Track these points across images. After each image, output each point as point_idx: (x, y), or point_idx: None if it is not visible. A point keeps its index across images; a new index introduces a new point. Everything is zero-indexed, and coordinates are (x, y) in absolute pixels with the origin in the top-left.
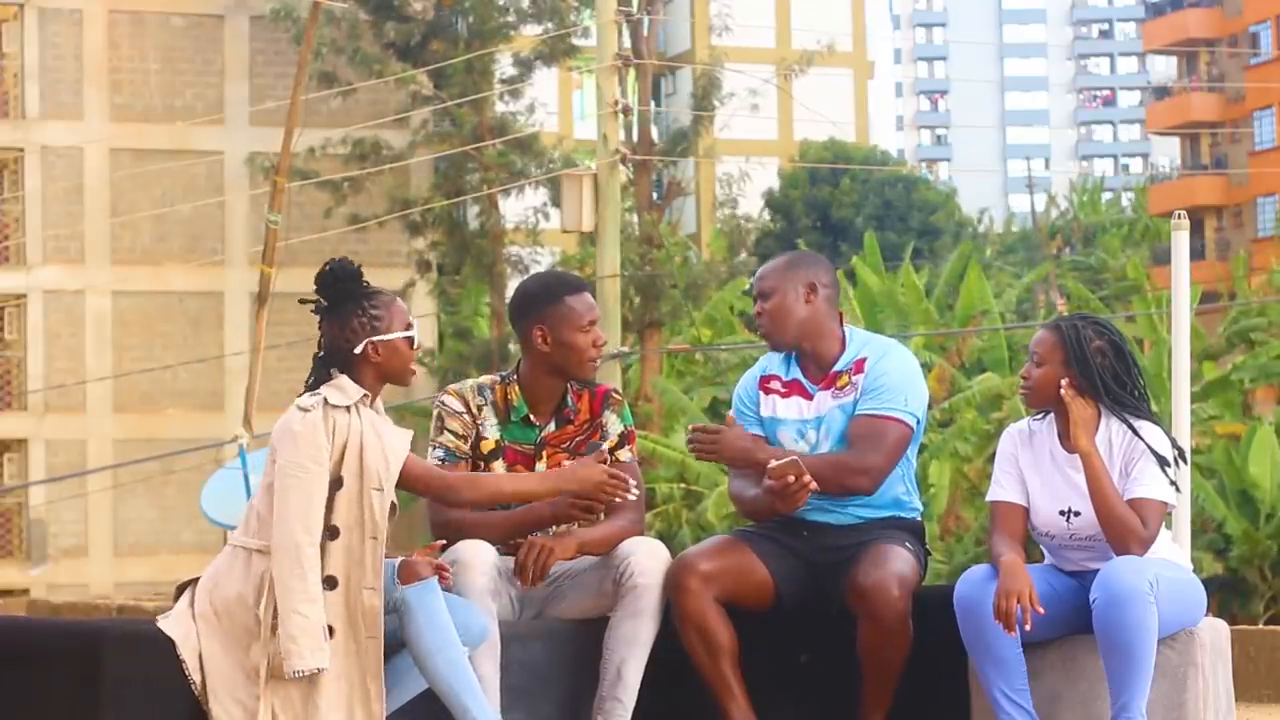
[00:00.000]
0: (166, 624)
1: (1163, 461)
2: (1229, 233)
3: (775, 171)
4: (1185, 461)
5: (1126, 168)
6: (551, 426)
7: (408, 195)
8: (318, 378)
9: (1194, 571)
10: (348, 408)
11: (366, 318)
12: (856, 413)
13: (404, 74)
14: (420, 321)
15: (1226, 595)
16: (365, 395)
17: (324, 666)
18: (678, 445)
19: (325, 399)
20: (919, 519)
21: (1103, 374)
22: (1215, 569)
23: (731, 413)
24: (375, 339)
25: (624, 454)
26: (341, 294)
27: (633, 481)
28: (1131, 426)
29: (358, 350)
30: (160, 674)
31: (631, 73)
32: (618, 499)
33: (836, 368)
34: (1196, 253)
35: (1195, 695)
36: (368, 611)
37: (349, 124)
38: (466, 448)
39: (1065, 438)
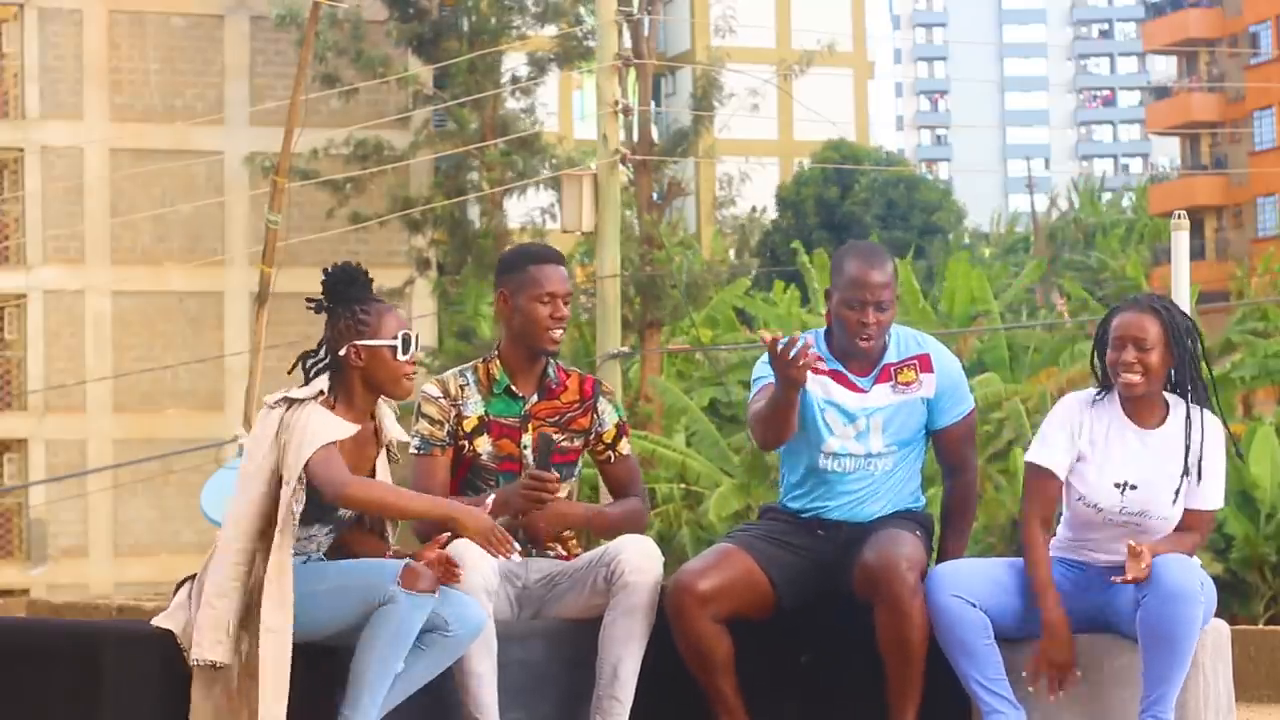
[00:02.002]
0: (163, 619)
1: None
2: (1229, 233)
3: (777, 170)
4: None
5: (1126, 168)
6: (535, 398)
7: (409, 195)
8: (303, 372)
9: None
10: (302, 402)
11: (354, 320)
12: (953, 422)
13: (406, 74)
14: (421, 321)
15: (1226, 596)
16: (321, 393)
17: (221, 660)
18: (677, 445)
19: (287, 395)
20: (926, 510)
21: (1191, 358)
22: (1215, 569)
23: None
24: (359, 343)
25: (624, 446)
26: (335, 296)
27: (557, 481)
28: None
29: (341, 353)
30: (160, 674)
31: (631, 73)
32: (543, 501)
33: (886, 361)
34: (1196, 253)
35: (1195, 695)
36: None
37: (349, 124)
38: (444, 434)
39: (1132, 415)
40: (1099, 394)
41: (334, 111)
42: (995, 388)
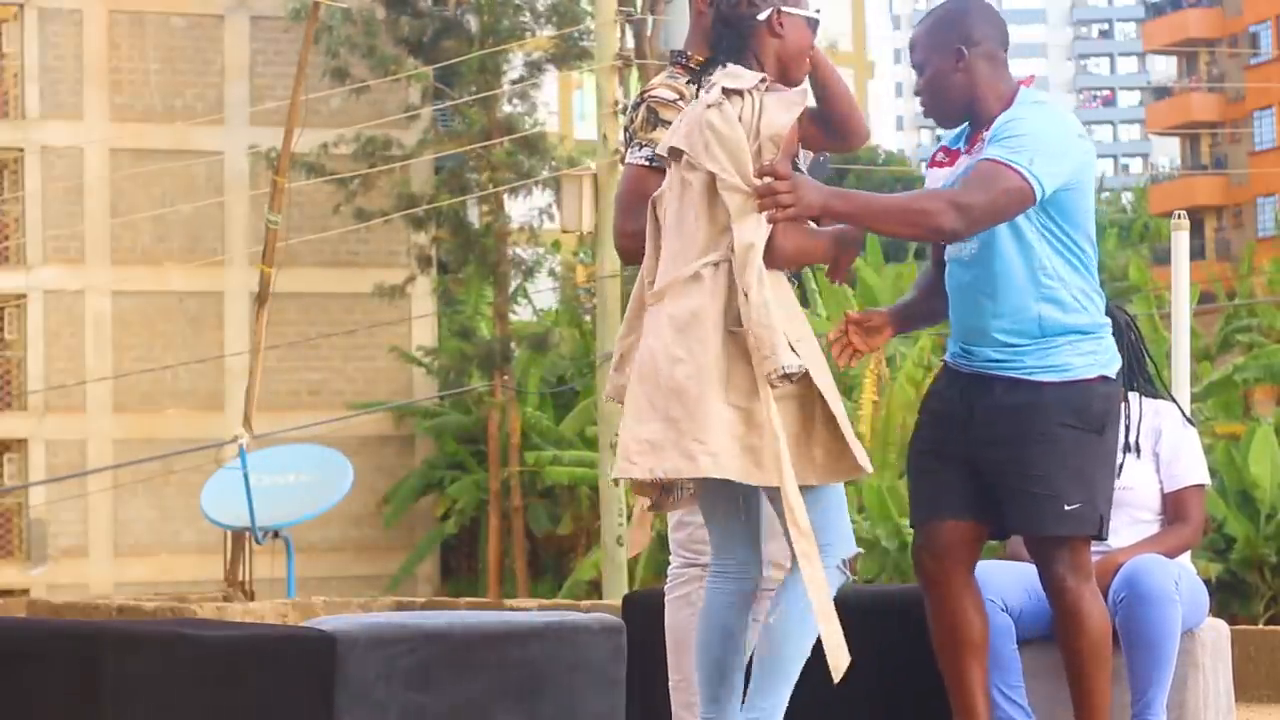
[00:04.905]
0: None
1: (1189, 425)
2: (1229, 233)
3: None
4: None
5: (1126, 168)
6: None
7: (411, 193)
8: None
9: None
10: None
11: None
12: (984, 158)
13: (414, 72)
14: (421, 321)
15: (1226, 596)
16: (764, 79)
17: (798, 367)
18: None
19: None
20: (1095, 376)
21: (1131, 350)
22: (1215, 569)
23: None
24: (783, 8)
25: None
26: None
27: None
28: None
29: (761, 16)
30: (160, 674)
31: (633, 72)
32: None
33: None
34: (1196, 253)
35: (1195, 695)
36: None
37: (350, 123)
38: None
39: None
40: None
41: (334, 112)
42: None
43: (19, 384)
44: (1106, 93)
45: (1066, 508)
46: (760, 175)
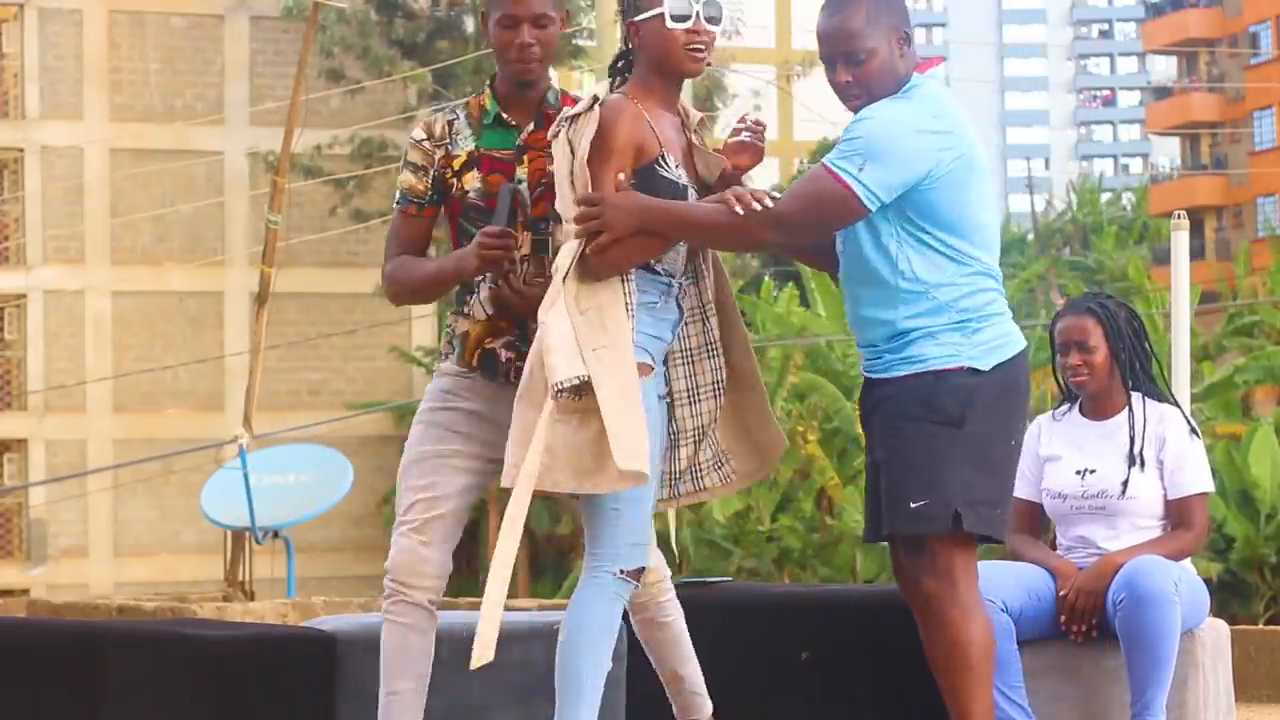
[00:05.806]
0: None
1: (1193, 434)
2: (1229, 233)
3: (778, 170)
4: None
5: (1126, 168)
6: (530, 126)
7: None
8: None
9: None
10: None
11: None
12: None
13: (412, 73)
14: (421, 320)
15: (1226, 596)
16: (596, 97)
17: (582, 375)
18: None
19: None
20: (954, 367)
21: (1134, 349)
22: (1215, 569)
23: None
24: (635, 18)
25: None
26: None
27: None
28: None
29: (626, 28)
30: (160, 674)
31: None
32: (500, 264)
33: None
34: (1196, 253)
35: (1195, 695)
36: None
37: (350, 124)
38: (425, 186)
39: (1090, 411)
40: (1061, 407)
41: (334, 112)
42: None
43: (19, 384)
44: (1106, 93)
45: (912, 505)
46: (577, 204)
